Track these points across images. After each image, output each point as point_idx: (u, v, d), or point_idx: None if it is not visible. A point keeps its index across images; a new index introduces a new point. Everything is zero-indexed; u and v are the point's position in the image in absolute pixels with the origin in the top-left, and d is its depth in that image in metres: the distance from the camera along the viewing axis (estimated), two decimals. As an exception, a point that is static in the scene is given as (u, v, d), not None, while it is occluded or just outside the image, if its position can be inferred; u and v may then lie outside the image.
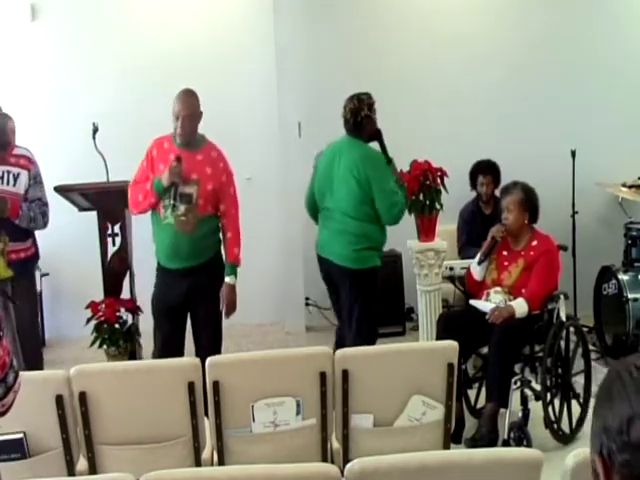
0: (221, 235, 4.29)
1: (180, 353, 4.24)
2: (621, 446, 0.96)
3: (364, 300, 4.45)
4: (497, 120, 6.51)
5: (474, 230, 5.83)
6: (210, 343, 4.20)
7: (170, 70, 6.23)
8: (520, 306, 4.22)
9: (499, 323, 4.15)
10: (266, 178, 6.46)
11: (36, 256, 4.64)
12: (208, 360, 3.12)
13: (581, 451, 2.14)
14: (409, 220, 4.95)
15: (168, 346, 4.23)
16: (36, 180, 4.46)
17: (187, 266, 4.17)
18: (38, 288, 5.64)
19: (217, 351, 4.17)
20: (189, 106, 4.15)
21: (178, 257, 4.17)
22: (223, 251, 4.30)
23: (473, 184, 6.10)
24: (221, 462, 3.15)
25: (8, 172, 4.35)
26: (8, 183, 4.33)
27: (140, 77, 6.40)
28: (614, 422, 0.98)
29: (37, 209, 4.42)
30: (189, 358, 3.34)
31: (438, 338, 4.29)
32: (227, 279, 4.25)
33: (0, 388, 1.85)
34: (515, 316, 4.19)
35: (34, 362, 4.36)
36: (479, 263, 4.47)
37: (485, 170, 5.98)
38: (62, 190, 4.90)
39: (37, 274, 5.92)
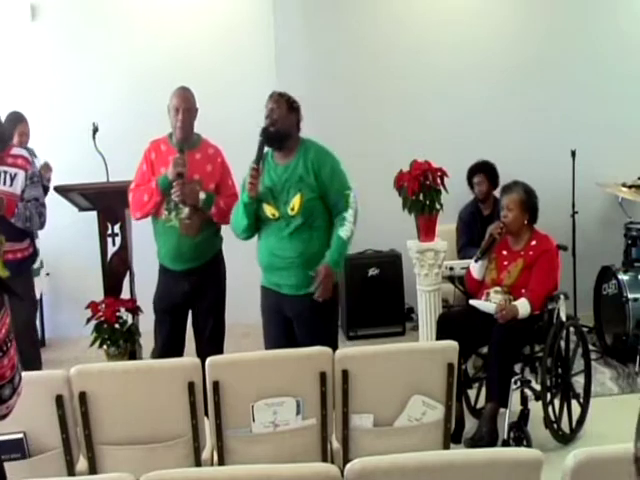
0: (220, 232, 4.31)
1: (180, 352, 4.27)
2: None
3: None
4: (497, 120, 6.51)
5: (473, 231, 5.84)
6: (212, 338, 4.24)
7: (170, 70, 6.22)
8: (523, 306, 4.21)
9: (501, 322, 4.15)
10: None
11: (33, 257, 4.63)
12: (208, 360, 3.12)
13: (581, 451, 2.14)
14: (409, 220, 4.95)
15: (169, 345, 4.26)
16: (33, 180, 4.45)
17: (189, 267, 4.20)
18: (40, 288, 5.64)
19: (219, 346, 4.23)
20: (187, 100, 4.18)
21: (181, 259, 4.19)
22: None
23: (471, 186, 6.12)
24: (221, 462, 3.15)
25: (5, 172, 4.35)
26: (5, 183, 4.33)
27: (140, 77, 6.40)
28: None
29: (33, 209, 4.41)
30: (189, 358, 3.33)
31: (438, 338, 4.29)
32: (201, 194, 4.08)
33: (8, 389, 1.83)
34: (518, 317, 4.18)
35: (30, 363, 4.35)
36: (476, 260, 4.47)
37: (478, 169, 6.02)
38: (62, 190, 4.90)
39: (42, 273, 5.93)
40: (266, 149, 3.91)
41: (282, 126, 3.83)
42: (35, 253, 4.64)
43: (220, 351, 4.14)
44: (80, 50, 6.47)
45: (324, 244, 3.83)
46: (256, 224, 3.93)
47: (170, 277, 4.25)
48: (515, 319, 4.17)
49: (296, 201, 3.78)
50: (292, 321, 3.92)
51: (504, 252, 4.48)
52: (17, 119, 5.51)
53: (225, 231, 4.37)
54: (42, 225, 4.51)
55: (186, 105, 4.16)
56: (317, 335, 3.75)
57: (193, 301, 4.26)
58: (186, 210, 4.09)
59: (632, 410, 1.70)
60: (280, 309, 3.93)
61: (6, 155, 4.39)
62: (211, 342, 4.22)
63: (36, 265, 5.10)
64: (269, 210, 3.86)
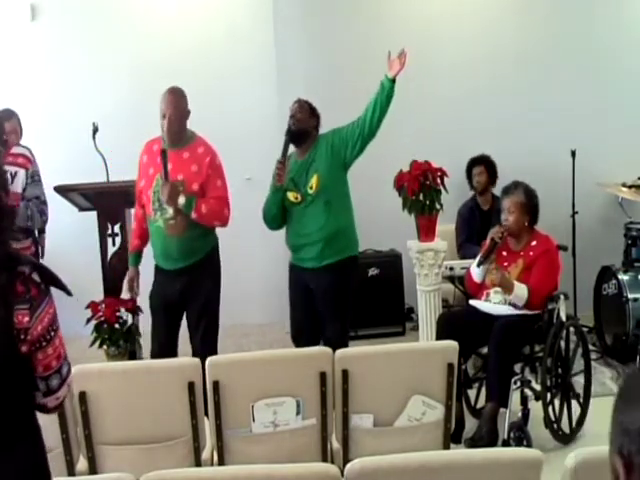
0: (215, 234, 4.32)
1: (174, 352, 4.27)
2: None
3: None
4: (497, 120, 6.50)
5: (473, 227, 5.86)
6: (204, 338, 4.22)
7: (170, 70, 6.21)
8: (520, 288, 4.23)
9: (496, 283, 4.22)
10: (266, 178, 6.41)
11: (35, 256, 4.63)
12: (208, 360, 3.12)
13: (581, 451, 2.14)
14: (409, 220, 4.95)
15: (165, 344, 4.27)
16: (34, 179, 4.46)
17: (179, 267, 4.20)
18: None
19: (212, 346, 4.20)
20: (175, 104, 4.14)
21: (170, 258, 4.21)
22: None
23: (470, 179, 6.16)
24: (221, 462, 3.15)
25: (5, 171, 4.35)
26: None
27: (140, 77, 6.39)
28: (634, 425, 1.00)
29: (35, 207, 4.42)
30: (189, 358, 3.34)
31: (438, 338, 4.29)
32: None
33: (55, 379, 1.92)
34: (511, 297, 4.21)
35: None
36: (478, 265, 4.45)
37: (479, 161, 6.10)
38: (62, 190, 4.89)
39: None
40: (290, 150, 4.40)
41: (303, 125, 4.36)
42: (37, 252, 4.63)
43: (214, 351, 4.08)
44: (80, 50, 6.47)
45: (342, 219, 4.36)
46: (283, 217, 4.44)
47: (164, 275, 4.29)
48: (510, 290, 4.21)
49: (314, 180, 4.29)
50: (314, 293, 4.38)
51: (504, 253, 4.47)
52: (4, 117, 5.35)
53: (224, 233, 4.38)
54: (44, 223, 4.52)
55: (172, 109, 4.11)
56: (334, 305, 4.36)
57: (186, 300, 4.26)
58: (170, 211, 4.08)
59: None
60: (304, 283, 4.44)
61: (6, 154, 4.39)
62: (203, 342, 4.20)
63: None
64: (292, 195, 4.35)
